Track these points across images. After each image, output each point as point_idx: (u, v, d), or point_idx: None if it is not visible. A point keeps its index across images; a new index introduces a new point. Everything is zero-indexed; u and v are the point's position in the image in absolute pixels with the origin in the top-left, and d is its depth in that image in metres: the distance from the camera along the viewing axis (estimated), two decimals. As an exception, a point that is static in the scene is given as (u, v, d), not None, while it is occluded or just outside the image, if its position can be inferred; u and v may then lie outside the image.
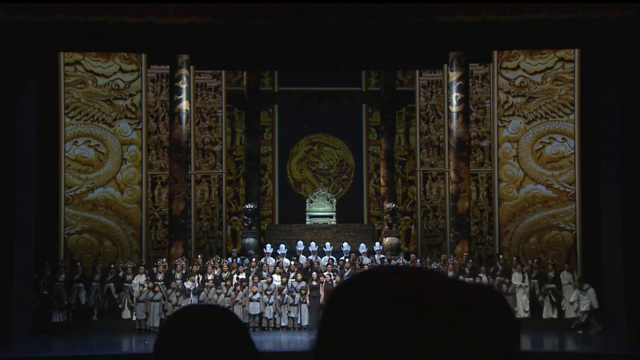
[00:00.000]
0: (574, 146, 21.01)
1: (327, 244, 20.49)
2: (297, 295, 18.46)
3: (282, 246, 20.24)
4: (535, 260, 19.62)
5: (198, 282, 18.52)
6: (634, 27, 17.01)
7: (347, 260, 19.58)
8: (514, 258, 20.05)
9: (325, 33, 19.14)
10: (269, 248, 20.21)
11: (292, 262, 19.46)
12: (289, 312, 18.46)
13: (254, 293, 18.34)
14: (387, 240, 21.48)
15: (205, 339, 1.49)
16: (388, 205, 22.29)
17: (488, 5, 17.82)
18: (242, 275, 18.95)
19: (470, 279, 17.71)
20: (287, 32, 19.50)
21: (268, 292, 18.45)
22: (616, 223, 17.40)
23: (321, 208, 23.38)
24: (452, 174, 20.32)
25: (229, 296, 18.30)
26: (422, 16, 18.29)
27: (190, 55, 20.49)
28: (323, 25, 18.58)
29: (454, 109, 20.38)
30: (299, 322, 18.43)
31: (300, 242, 20.60)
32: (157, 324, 17.95)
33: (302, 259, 20.02)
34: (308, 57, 20.48)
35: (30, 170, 18.04)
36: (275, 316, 18.43)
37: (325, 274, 18.88)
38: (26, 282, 17.58)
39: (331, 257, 19.92)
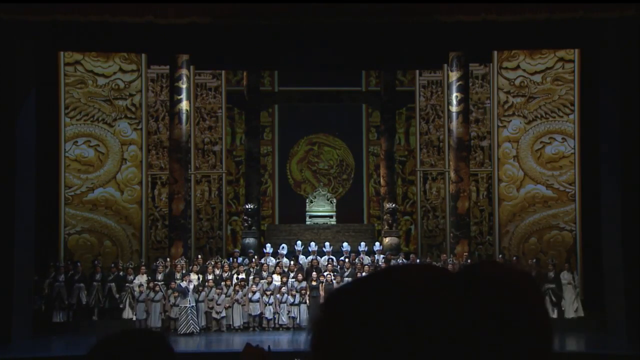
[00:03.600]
0: (574, 146, 21.00)
1: (327, 244, 20.50)
2: (297, 295, 18.46)
3: (283, 246, 20.24)
4: (534, 260, 19.63)
5: (198, 281, 18.52)
6: (634, 27, 17.01)
7: (347, 260, 19.59)
8: (514, 258, 20.05)
9: (325, 33, 19.15)
10: (269, 248, 20.21)
11: (292, 262, 19.46)
12: (289, 312, 18.47)
13: (254, 293, 18.34)
14: (387, 240, 21.48)
15: None
16: (388, 205, 22.28)
17: (488, 5, 17.82)
18: (242, 275, 18.95)
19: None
20: (287, 32, 19.49)
21: (268, 292, 18.45)
22: (616, 223, 17.40)
23: (321, 208, 23.37)
24: (452, 174, 20.32)
25: (229, 296, 18.31)
26: (422, 16, 18.30)
27: (190, 55, 20.47)
28: (323, 25, 18.58)
29: (454, 109, 20.37)
30: (298, 322, 18.43)
31: (299, 242, 20.59)
32: (157, 324, 17.97)
33: (302, 259, 20.02)
34: (308, 57, 20.48)
35: (30, 170, 18.04)
36: (275, 315, 18.44)
37: (325, 274, 18.88)
38: (26, 282, 17.59)
39: (331, 257, 19.92)
